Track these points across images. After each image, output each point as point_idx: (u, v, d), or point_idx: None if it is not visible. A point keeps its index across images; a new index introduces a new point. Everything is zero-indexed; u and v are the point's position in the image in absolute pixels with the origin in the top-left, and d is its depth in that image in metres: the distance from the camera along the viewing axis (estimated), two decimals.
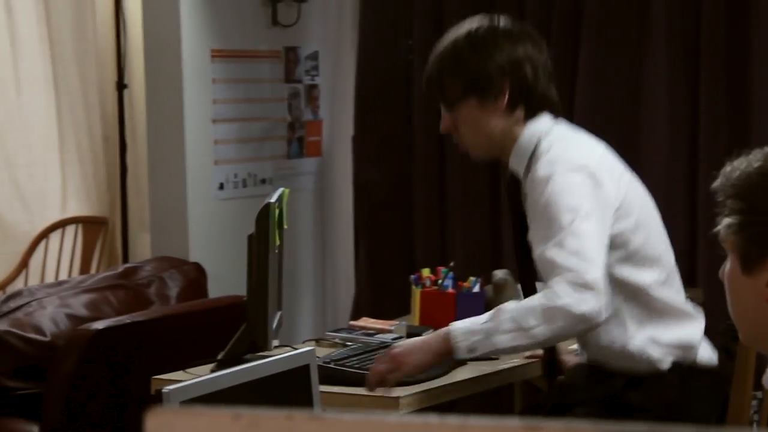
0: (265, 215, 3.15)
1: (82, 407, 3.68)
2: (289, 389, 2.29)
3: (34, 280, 5.63)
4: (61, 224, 5.84)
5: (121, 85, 5.72)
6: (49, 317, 3.83)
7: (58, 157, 5.89)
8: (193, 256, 4.73)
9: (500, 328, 2.75)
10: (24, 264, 5.72)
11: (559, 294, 2.69)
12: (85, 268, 5.79)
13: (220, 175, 5.01)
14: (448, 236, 5.04)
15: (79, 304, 3.94)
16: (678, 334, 2.93)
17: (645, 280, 2.91)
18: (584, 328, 2.74)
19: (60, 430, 3.62)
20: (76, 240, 5.86)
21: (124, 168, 5.73)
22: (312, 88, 5.36)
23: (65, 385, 3.63)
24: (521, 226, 2.96)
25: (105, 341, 3.70)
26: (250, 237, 3.16)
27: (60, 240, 5.83)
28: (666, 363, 2.92)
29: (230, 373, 2.14)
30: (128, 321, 3.80)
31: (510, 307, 2.80)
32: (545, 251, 2.75)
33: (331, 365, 3.09)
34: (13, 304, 3.90)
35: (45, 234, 5.79)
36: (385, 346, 3.40)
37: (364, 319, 3.89)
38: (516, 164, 2.97)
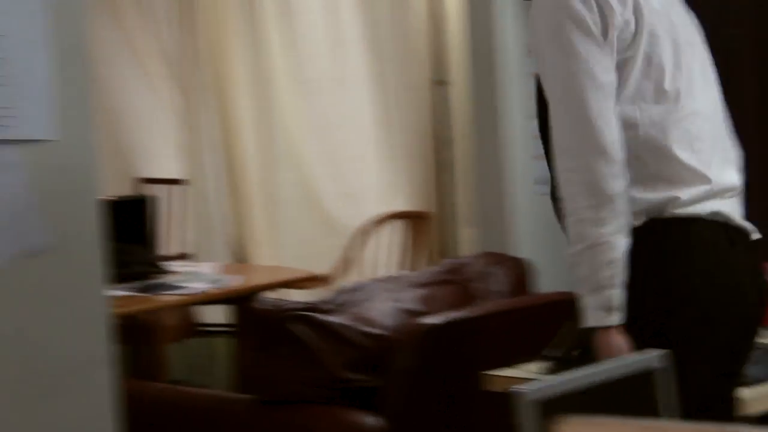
0: None
1: (420, 401, 3.77)
2: (634, 393, 2.28)
3: (358, 274, 5.80)
4: (385, 219, 5.99)
5: (440, 82, 5.83)
6: (381, 311, 3.92)
7: (380, 153, 6.05)
8: (518, 252, 4.76)
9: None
10: (348, 258, 5.90)
11: None
12: (408, 263, 5.91)
13: (540, 170, 5.02)
14: None
15: (409, 299, 4.02)
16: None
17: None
18: None
19: (402, 423, 3.72)
20: (400, 234, 5.99)
21: (443, 163, 5.83)
22: None
23: (405, 378, 3.73)
24: None
25: (439, 336, 3.77)
26: None
27: (384, 234, 5.97)
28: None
29: (581, 374, 2.15)
30: (460, 316, 3.86)
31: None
32: None
33: None
34: (346, 298, 4.02)
35: (369, 228, 5.96)
36: None
37: None
38: None
